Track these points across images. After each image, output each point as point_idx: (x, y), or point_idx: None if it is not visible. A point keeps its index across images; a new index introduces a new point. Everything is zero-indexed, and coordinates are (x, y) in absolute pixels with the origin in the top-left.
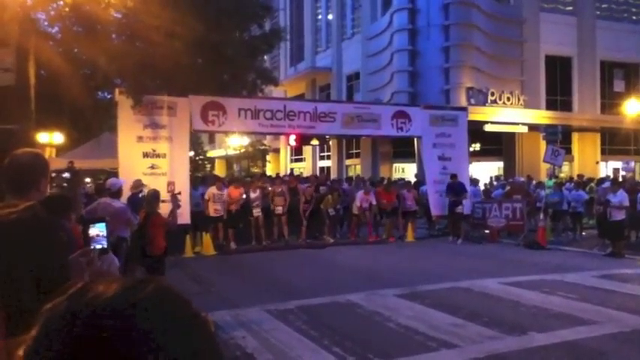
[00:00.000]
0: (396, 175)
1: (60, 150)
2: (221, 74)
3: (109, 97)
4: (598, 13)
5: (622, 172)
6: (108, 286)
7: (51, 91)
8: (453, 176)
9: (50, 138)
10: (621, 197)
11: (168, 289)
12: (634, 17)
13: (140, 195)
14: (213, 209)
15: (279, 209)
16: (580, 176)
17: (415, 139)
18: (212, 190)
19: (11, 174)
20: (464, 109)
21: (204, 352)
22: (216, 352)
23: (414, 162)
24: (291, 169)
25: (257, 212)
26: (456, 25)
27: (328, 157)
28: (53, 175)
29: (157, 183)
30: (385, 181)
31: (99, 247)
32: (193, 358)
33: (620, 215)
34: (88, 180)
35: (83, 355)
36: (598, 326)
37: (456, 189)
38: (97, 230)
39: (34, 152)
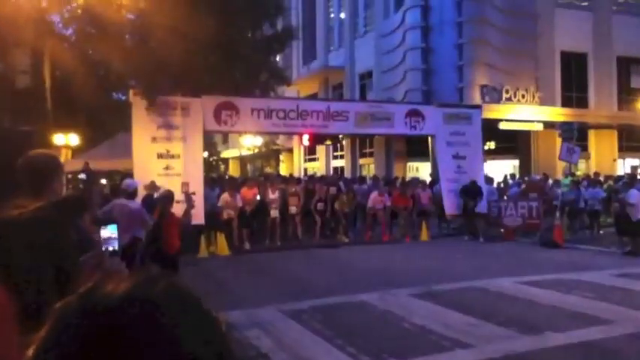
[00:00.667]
0: (410, 174)
1: (75, 151)
2: (234, 74)
3: (123, 98)
4: (614, 8)
5: None
6: (118, 283)
7: (66, 93)
8: (473, 182)
9: (66, 139)
10: (634, 196)
11: (178, 286)
12: None
13: (154, 196)
14: (227, 214)
15: (293, 209)
16: (596, 174)
17: (429, 138)
18: (225, 197)
19: (25, 175)
20: (478, 106)
21: (215, 348)
22: (227, 348)
23: (428, 161)
24: (305, 169)
25: (274, 213)
26: (470, 22)
27: (342, 157)
28: (69, 176)
29: (171, 184)
30: (400, 182)
31: (110, 248)
32: (205, 353)
33: (638, 214)
34: (103, 181)
35: (94, 352)
36: (615, 326)
37: (471, 192)
38: (109, 232)
39: (48, 154)
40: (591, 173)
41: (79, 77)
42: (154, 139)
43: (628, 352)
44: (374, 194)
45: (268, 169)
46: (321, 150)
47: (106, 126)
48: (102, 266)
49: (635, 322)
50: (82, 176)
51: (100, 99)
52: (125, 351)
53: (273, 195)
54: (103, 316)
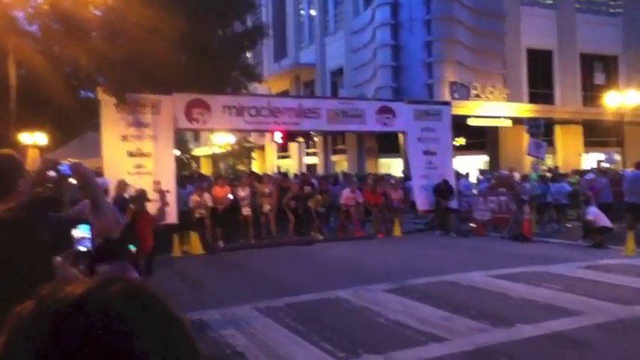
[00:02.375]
0: (381, 171)
1: (44, 150)
2: (204, 72)
3: (92, 96)
4: (577, 6)
5: (604, 164)
6: (76, 286)
7: (32, 91)
8: (445, 181)
9: (33, 138)
10: (592, 213)
11: (137, 288)
12: (611, 10)
13: (125, 195)
14: (199, 213)
15: (267, 207)
16: (556, 168)
17: (400, 134)
18: (194, 198)
19: None
20: (447, 103)
21: (175, 350)
22: (192, 350)
23: (399, 157)
24: (278, 166)
25: (246, 211)
26: (438, 20)
27: (314, 154)
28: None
29: (142, 182)
30: (371, 180)
31: (83, 249)
32: (163, 355)
33: (599, 223)
34: (73, 181)
35: (50, 356)
36: (584, 317)
37: (443, 190)
38: (82, 232)
39: (6, 153)
40: (554, 168)
41: (45, 75)
42: (124, 138)
43: (597, 341)
44: (346, 191)
45: (241, 167)
46: (293, 147)
47: (75, 125)
48: (77, 267)
49: (603, 312)
50: (52, 173)
51: (67, 97)
52: (79, 355)
53: (243, 192)
54: (56, 320)
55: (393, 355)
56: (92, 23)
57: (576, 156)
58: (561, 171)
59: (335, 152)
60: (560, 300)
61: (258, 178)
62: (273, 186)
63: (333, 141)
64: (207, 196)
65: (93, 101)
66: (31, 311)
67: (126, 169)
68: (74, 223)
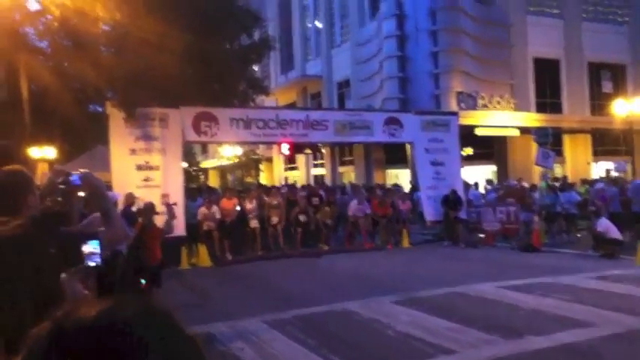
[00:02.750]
0: (389, 182)
1: (53, 164)
2: (212, 85)
3: (100, 110)
4: (584, 15)
5: (614, 173)
6: (90, 307)
7: (42, 106)
8: (453, 192)
9: (42, 153)
10: (603, 225)
11: (151, 309)
12: (619, 19)
13: (132, 208)
14: (207, 225)
15: (275, 219)
16: (565, 177)
17: (407, 145)
18: (203, 210)
19: None
20: (455, 113)
21: None
22: None
23: (407, 168)
24: (285, 178)
25: (254, 224)
26: (444, 31)
27: (322, 165)
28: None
29: (151, 195)
30: (379, 192)
31: (92, 264)
32: None
33: (609, 235)
34: (82, 194)
35: None
36: (594, 328)
37: (451, 201)
38: (91, 247)
39: (15, 169)
40: (561, 177)
41: (55, 90)
42: (132, 151)
43: (607, 353)
44: (354, 203)
45: (248, 179)
46: (300, 159)
47: (84, 139)
48: (86, 283)
49: (613, 323)
50: (62, 187)
51: (76, 111)
52: None
53: (251, 205)
54: (72, 341)
55: None
56: (100, 39)
57: (585, 165)
58: (570, 180)
59: (342, 163)
60: (570, 311)
61: (266, 190)
62: (282, 198)
63: (341, 152)
64: (215, 208)
65: (102, 115)
66: (47, 332)
67: (134, 182)
68: (84, 239)
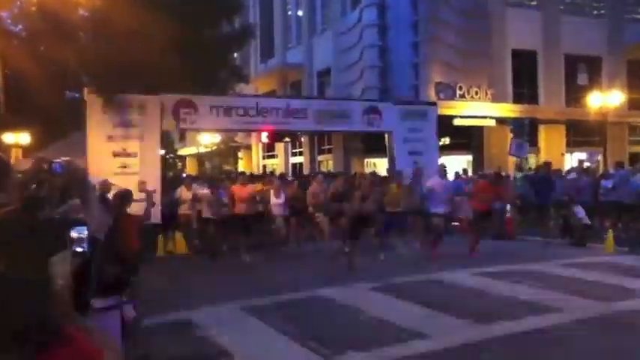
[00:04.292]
0: (367, 171)
1: (28, 150)
2: (192, 72)
3: (77, 96)
4: (562, 7)
5: (587, 163)
6: None
7: (18, 91)
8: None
9: (16, 138)
10: (580, 212)
11: None
12: (595, 12)
13: (108, 195)
14: (182, 209)
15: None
16: (537, 168)
17: (386, 135)
18: (182, 192)
19: None
20: (434, 104)
21: None
22: None
23: (385, 157)
24: (264, 166)
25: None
26: (425, 21)
27: (300, 154)
28: (19, 175)
29: (127, 182)
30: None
31: (79, 250)
32: None
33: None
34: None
35: None
36: (564, 313)
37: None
38: (78, 233)
39: None
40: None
41: (31, 75)
42: (109, 138)
43: (577, 337)
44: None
45: (227, 167)
46: (279, 147)
47: (60, 125)
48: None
49: (584, 309)
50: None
51: (53, 97)
52: None
53: (278, 199)
54: None
55: (378, 352)
56: (79, 24)
57: (559, 156)
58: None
59: (321, 152)
60: (541, 297)
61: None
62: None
63: (320, 141)
64: (197, 189)
65: (78, 101)
66: None
67: (111, 169)
68: (71, 224)
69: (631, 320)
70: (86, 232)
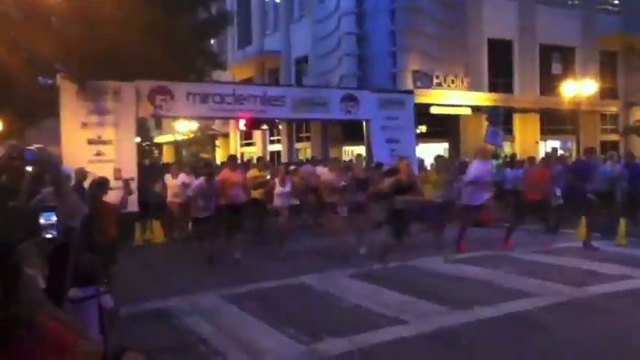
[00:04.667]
0: (345, 158)
1: (0, 138)
2: (168, 59)
3: (50, 82)
4: None
5: (560, 151)
6: None
7: None
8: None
9: None
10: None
11: None
12: (569, 2)
13: (84, 184)
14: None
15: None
16: (514, 156)
17: (364, 122)
18: (169, 180)
19: None
20: (411, 92)
21: None
22: None
23: (363, 145)
24: (242, 154)
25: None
26: (402, 9)
27: (278, 141)
28: None
29: (103, 170)
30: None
31: (49, 236)
32: None
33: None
34: (29, 168)
35: None
36: (539, 298)
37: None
38: (46, 219)
39: None
40: (514, 155)
41: (1, 61)
42: (84, 125)
43: (552, 321)
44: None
45: (204, 155)
46: (257, 135)
47: (33, 112)
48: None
49: (558, 293)
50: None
51: (25, 84)
52: None
53: (283, 188)
54: None
55: (356, 338)
56: (52, 9)
57: (534, 144)
58: (519, 158)
59: (299, 140)
60: (516, 282)
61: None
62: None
63: (298, 128)
64: (184, 178)
65: (51, 88)
66: None
67: (85, 156)
68: (41, 212)
69: (605, 304)
70: (54, 218)
